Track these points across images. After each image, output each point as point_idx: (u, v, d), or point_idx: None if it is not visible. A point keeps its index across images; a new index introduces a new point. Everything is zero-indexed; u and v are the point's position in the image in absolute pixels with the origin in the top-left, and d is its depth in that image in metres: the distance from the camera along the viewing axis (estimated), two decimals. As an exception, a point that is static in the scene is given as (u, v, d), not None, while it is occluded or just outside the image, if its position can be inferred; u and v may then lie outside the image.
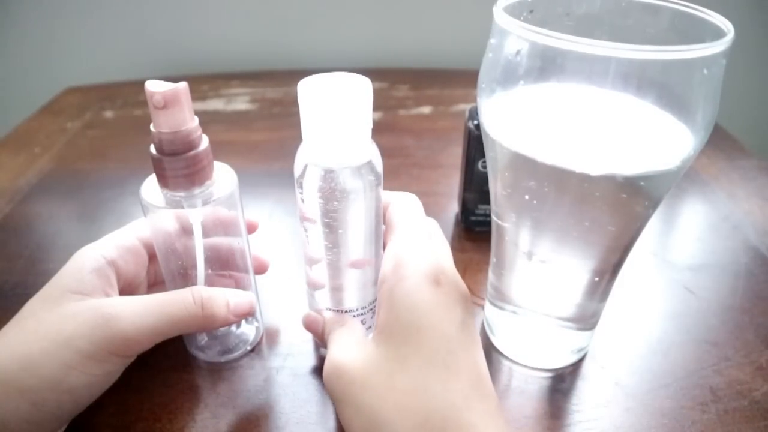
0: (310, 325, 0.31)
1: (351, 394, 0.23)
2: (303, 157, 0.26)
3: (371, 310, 0.31)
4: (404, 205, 0.28)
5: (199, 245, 0.29)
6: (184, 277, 0.30)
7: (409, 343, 0.23)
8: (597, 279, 0.28)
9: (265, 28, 0.76)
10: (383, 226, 0.29)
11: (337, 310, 0.30)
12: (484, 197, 0.31)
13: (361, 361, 0.24)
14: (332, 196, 0.26)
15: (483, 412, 0.22)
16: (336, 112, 0.24)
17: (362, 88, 0.24)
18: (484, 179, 0.30)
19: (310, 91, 0.24)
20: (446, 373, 0.22)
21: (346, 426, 0.23)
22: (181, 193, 0.27)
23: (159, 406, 0.30)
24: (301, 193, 0.27)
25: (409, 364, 0.22)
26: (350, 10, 0.73)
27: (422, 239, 0.26)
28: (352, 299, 0.30)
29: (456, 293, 0.24)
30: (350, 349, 0.25)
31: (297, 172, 0.27)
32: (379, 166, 0.26)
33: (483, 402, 0.22)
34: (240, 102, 0.68)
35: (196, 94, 0.67)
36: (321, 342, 0.30)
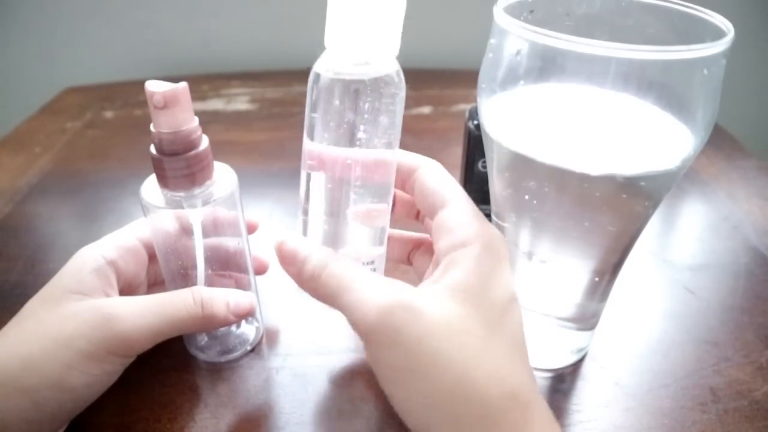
0: (287, 258, 0.25)
1: (433, 344, 0.21)
2: (320, 67, 0.24)
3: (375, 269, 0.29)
4: (440, 171, 0.27)
5: (199, 245, 0.29)
6: (184, 278, 0.30)
7: (502, 318, 0.23)
8: (597, 279, 0.28)
9: (265, 28, 0.76)
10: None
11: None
12: (484, 197, 0.31)
13: (446, 315, 0.22)
14: (353, 111, 0.23)
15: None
16: (368, 13, 0.22)
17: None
18: (484, 179, 0.30)
19: None
20: (526, 357, 0.23)
21: (401, 370, 0.22)
22: (181, 193, 0.27)
23: (159, 406, 0.30)
24: (314, 115, 0.24)
25: (501, 338, 0.22)
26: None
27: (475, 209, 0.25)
28: (354, 251, 0.28)
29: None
30: (421, 295, 0.22)
31: (310, 84, 0.24)
32: (402, 87, 0.24)
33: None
34: (240, 102, 0.68)
35: (196, 94, 0.67)
36: (299, 282, 0.25)
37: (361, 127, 0.24)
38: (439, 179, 0.26)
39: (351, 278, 0.23)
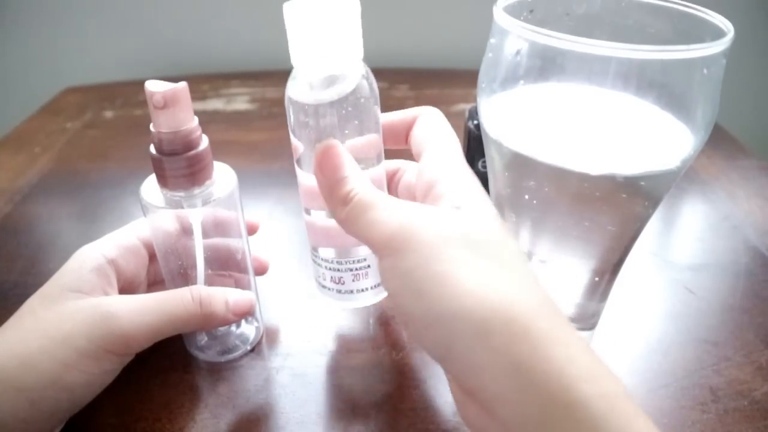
0: (329, 166, 0.24)
1: (447, 251, 0.20)
2: (290, 91, 0.25)
3: (365, 268, 0.30)
4: (433, 119, 0.27)
5: (199, 245, 0.29)
6: (184, 277, 0.30)
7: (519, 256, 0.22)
8: (597, 279, 0.28)
9: (265, 28, 0.76)
10: (383, 160, 0.28)
11: (342, 261, 0.29)
12: (484, 197, 0.32)
13: (460, 228, 0.21)
14: (324, 129, 0.24)
15: None
16: (325, 31, 0.22)
17: (350, 4, 0.23)
18: (484, 179, 0.30)
19: (295, 12, 0.22)
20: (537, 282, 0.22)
21: (413, 278, 0.20)
22: (181, 193, 0.27)
23: (159, 406, 0.30)
24: (293, 132, 0.25)
25: (516, 266, 0.21)
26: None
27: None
28: (358, 248, 0.29)
29: None
30: (436, 211, 0.22)
31: (287, 111, 0.25)
32: (374, 86, 0.25)
33: None
34: (240, 102, 0.68)
35: (196, 94, 0.67)
36: (328, 192, 0.24)
37: (346, 132, 0.25)
38: (426, 129, 0.26)
39: (382, 199, 0.23)
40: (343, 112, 0.24)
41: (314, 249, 0.30)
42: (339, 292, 0.30)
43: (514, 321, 0.19)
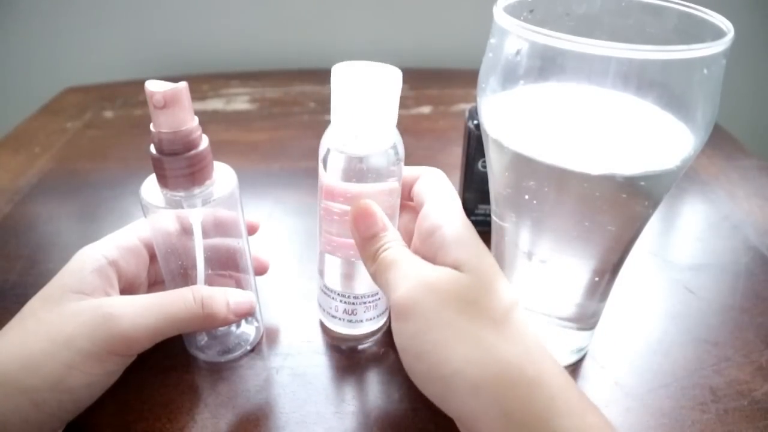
0: (366, 220, 0.27)
1: (447, 315, 0.23)
2: (329, 140, 0.28)
3: (377, 301, 0.33)
4: (435, 177, 0.30)
5: (199, 245, 0.29)
6: (184, 277, 0.30)
7: (511, 307, 0.24)
8: (597, 279, 0.28)
9: (265, 28, 0.76)
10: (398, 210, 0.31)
11: (347, 296, 0.32)
12: (484, 197, 0.31)
13: (461, 291, 0.24)
14: (356, 178, 0.27)
15: None
16: (368, 100, 0.25)
17: (393, 78, 0.25)
18: (484, 179, 0.30)
19: (343, 77, 0.25)
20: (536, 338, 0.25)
21: (419, 340, 0.23)
22: (181, 193, 0.27)
23: (159, 406, 0.30)
24: (325, 173, 0.28)
25: (511, 321, 0.24)
26: (350, 10, 0.73)
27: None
28: (360, 286, 0.32)
29: None
30: (441, 274, 0.25)
31: (322, 153, 0.28)
32: (401, 149, 0.28)
33: None
34: (240, 102, 0.68)
35: (196, 94, 0.67)
36: (362, 245, 0.27)
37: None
38: (429, 183, 0.29)
39: (403, 259, 0.25)
40: (375, 164, 0.27)
41: (327, 286, 0.32)
42: (349, 321, 0.33)
43: (501, 376, 0.22)
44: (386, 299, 0.30)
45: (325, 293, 0.33)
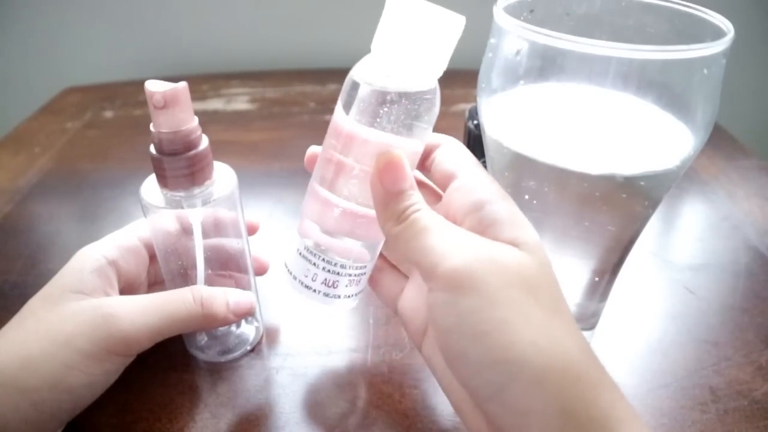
0: (391, 175, 0.23)
1: (513, 294, 0.21)
2: (361, 72, 0.24)
3: (362, 275, 0.28)
4: (461, 148, 0.27)
5: (199, 245, 0.29)
6: (184, 277, 0.30)
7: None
8: (597, 279, 0.28)
9: (265, 28, 0.76)
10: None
11: (333, 263, 0.27)
12: (484, 197, 0.32)
13: (527, 271, 0.21)
14: (386, 124, 0.23)
15: None
16: (427, 29, 0.22)
17: (457, 20, 0.22)
18: (484, 179, 0.30)
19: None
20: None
21: (474, 321, 0.20)
22: (181, 193, 0.27)
23: (159, 406, 0.30)
24: (347, 114, 0.24)
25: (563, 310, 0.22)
26: (350, 10, 0.73)
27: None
28: (349, 253, 0.27)
29: None
30: (505, 250, 0.22)
31: (346, 89, 0.24)
32: (437, 107, 0.25)
33: None
34: (240, 102, 0.68)
35: (196, 94, 0.67)
36: (383, 204, 0.23)
37: (401, 133, 0.24)
38: (456, 153, 0.26)
39: (440, 224, 0.22)
40: (411, 109, 0.23)
41: (311, 245, 0.27)
42: (326, 295, 0.28)
43: (567, 369, 0.20)
44: (417, 268, 0.23)
45: (303, 256, 0.27)
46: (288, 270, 0.28)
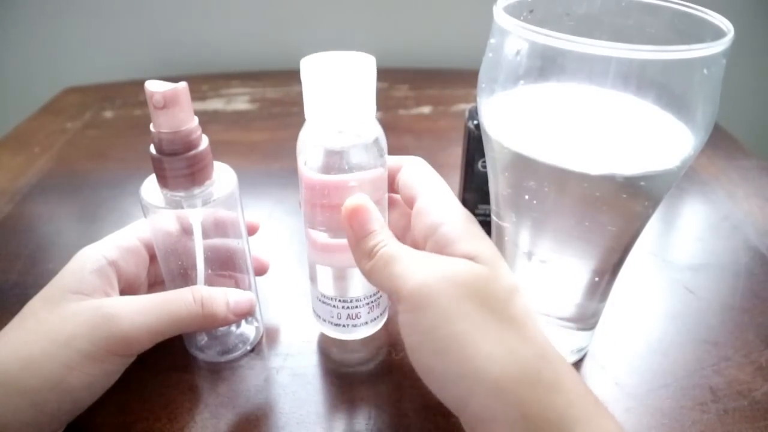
0: (359, 221, 0.25)
1: (465, 308, 0.22)
2: (306, 137, 0.27)
3: (378, 299, 0.32)
4: (419, 167, 0.29)
5: (199, 245, 0.29)
6: (184, 278, 0.30)
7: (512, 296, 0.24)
8: (597, 279, 0.28)
9: (265, 28, 0.76)
10: (386, 205, 0.30)
11: (349, 300, 0.31)
12: (484, 197, 0.31)
13: (474, 285, 0.23)
14: (348, 164, 0.26)
15: None
16: (340, 89, 0.24)
17: (367, 65, 0.24)
18: (484, 179, 0.30)
19: (312, 67, 0.24)
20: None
21: (432, 336, 0.22)
22: (181, 193, 0.27)
23: (159, 406, 0.30)
24: (310, 168, 0.27)
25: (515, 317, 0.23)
26: (350, 10, 0.73)
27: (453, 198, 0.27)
28: (358, 287, 0.31)
29: None
30: (456, 266, 0.24)
31: (301, 152, 0.27)
32: (383, 142, 0.27)
33: None
34: (240, 102, 0.68)
35: (196, 94, 0.67)
36: (355, 246, 0.26)
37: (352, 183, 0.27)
38: (416, 174, 0.28)
39: (404, 252, 0.24)
40: (360, 152, 0.26)
41: (324, 294, 0.31)
42: (354, 326, 0.32)
43: (523, 376, 0.21)
44: (389, 296, 0.28)
45: (323, 302, 0.32)
46: (316, 314, 0.33)
